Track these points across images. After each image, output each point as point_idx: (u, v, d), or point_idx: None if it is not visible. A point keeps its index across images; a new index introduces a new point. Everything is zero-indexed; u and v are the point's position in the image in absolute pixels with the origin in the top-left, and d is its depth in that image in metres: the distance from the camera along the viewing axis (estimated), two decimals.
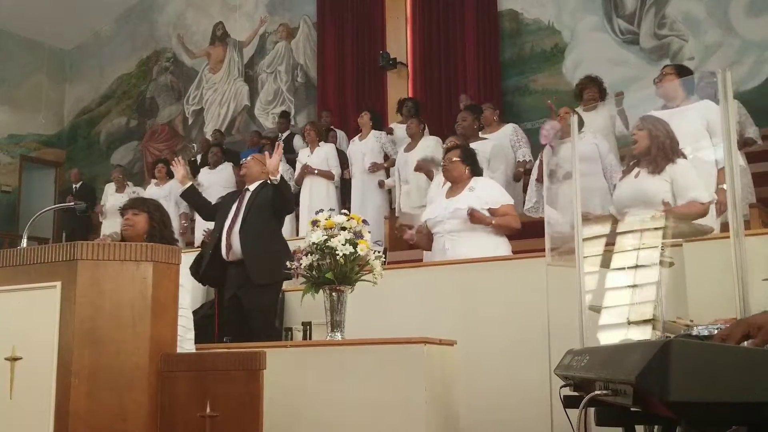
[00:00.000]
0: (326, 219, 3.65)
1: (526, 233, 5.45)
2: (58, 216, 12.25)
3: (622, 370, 1.61)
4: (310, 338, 4.83)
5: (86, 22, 13.06)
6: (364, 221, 3.74)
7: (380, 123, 8.19)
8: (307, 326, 4.92)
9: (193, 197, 5.23)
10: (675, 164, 3.87)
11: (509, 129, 7.15)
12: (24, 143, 13.13)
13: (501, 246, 4.69)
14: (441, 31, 9.73)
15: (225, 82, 12.14)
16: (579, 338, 3.15)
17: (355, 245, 3.58)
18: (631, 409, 1.62)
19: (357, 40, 10.42)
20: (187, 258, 3.90)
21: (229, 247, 4.81)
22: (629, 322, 3.00)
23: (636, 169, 4.01)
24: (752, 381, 1.44)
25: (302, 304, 3.83)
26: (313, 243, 3.59)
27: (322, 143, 8.16)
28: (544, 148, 6.03)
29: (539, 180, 6.12)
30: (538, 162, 6.38)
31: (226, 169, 8.93)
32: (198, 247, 7.01)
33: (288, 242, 5.28)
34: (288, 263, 3.73)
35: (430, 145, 7.32)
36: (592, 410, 1.95)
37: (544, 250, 3.85)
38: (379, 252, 3.82)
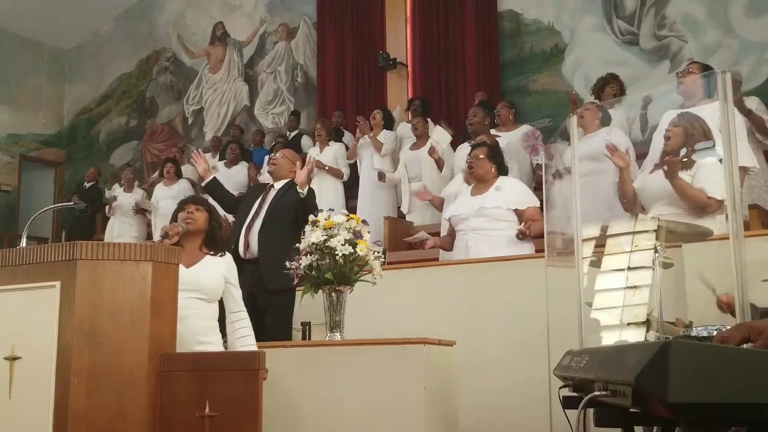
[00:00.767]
0: (326, 219, 3.64)
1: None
2: (58, 215, 12.25)
3: (621, 371, 1.61)
4: (310, 338, 4.82)
5: (86, 22, 13.06)
6: (364, 221, 3.74)
7: (391, 123, 8.19)
8: (306, 326, 4.90)
9: (215, 190, 5.15)
10: (704, 161, 3.87)
11: (524, 129, 7.06)
12: (23, 143, 13.12)
13: (524, 245, 4.63)
14: (441, 31, 9.73)
15: (225, 82, 12.13)
16: (578, 339, 3.15)
17: (354, 245, 3.58)
18: (630, 409, 1.62)
19: (357, 41, 10.42)
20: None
21: (246, 246, 4.73)
22: (628, 323, 3.00)
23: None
24: (751, 382, 1.44)
25: (301, 304, 3.83)
26: (313, 243, 3.59)
27: (331, 142, 8.16)
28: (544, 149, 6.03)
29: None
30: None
31: (242, 170, 8.91)
32: None
33: None
34: (287, 263, 3.72)
35: (441, 138, 7.32)
36: (591, 411, 1.95)
37: (543, 250, 3.86)
38: (378, 252, 3.82)
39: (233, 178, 8.69)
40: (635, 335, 2.96)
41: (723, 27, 8.00)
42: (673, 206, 3.97)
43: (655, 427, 2.22)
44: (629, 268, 3.14)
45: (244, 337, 3.76)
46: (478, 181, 4.84)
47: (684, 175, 3.91)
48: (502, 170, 4.86)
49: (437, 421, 3.45)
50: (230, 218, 5.66)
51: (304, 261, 3.62)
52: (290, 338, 4.86)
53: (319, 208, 4.92)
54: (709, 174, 3.89)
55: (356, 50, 10.40)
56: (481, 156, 4.80)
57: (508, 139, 6.72)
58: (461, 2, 9.54)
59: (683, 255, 3.66)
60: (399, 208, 7.74)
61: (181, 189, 8.63)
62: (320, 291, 3.64)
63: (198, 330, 3.46)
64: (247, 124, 11.60)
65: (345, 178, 8.01)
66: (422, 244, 5.05)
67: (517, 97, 8.96)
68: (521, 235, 4.49)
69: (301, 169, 4.73)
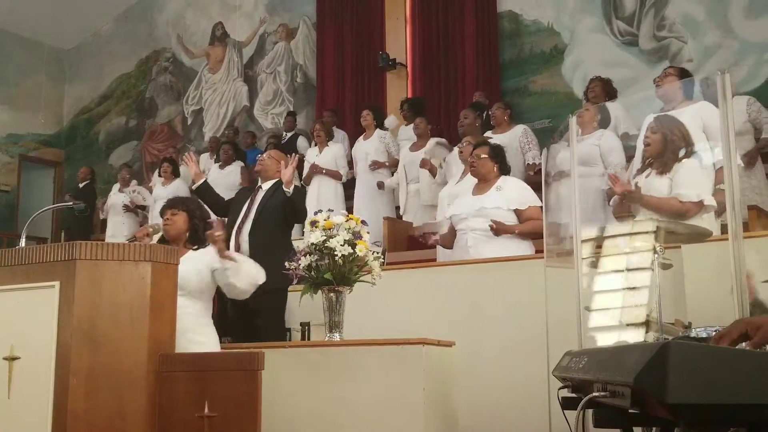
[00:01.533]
0: (325, 219, 3.65)
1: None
2: (58, 215, 12.24)
3: (620, 372, 1.61)
4: (309, 339, 4.82)
5: (85, 22, 13.06)
6: (363, 222, 3.74)
7: (382, 121, 8.18)
8: (305, 327, 4.91)
9: (205, 193, 5.17)
10: (681, 163, 3.86)
11: (519, 130, 7.06)
12: (23, 143, 13.12)
13: (523, 245, 4.65)
14: (440, 32, 9.73)
15: (224, 83, 12.13)
16: (577, 340, 3.15)
17: (353, 246, 3.58)
18: (629, 410, 1.62)
19: (356, 41, 10.42)
20: None
21: (237, 246, 4.76)
22: (627, 324, 3.01)
23: (648, 170, 4.01)
24: (750, 383, 1.44)
25: (301, 304, 3.83)
26: (312, 243, 3.60)
27: (331, 143, 8.15)
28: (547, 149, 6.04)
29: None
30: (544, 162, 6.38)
31: (235, 171, 8.91)
32: None
33: (297, 241, 5.26)
34: (287, 263, 3.72)
35: (439, 150, 7.32)
36: (590, 412, 1.95)
37: (543, 251, 3.86)
38: (377, 252, 3.82)
39: (226, 178, 8.70)
40: (634, 336, 2.96)
41: (722, 28, 7.99)
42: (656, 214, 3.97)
43: (654, 428, 2.22)
44: (628, 269, 3.15)
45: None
46: (479, 180, 4.84)
47: (663, 180, 3.90)
48: (504, 170, 4.86)
49: (436, 422, 3.45)
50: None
51: (304, 261, 3.63)
52: (284, 337, 4.87)
53: (306, 208, 4.98)
54: (685, 177, 3.88)
55: (356, 51, 10.39)
56: (483, 155, 4.79)
57: (501, 141, 6.73)
58: (461, 3, 9.54)
59: (682, 256, 3.66)
60: (397, 208, 7.74)
61: (178, 189, 8.62)
62: (319, 291, 3.65)
63: (186, 328, 3.32)
64: (246, 125, 11.60)
65: (344, 179, 8.00)
66: (426, 237, 5.05)
67: (516, 98, 8.96)
68: (494, 232, 4.49)
69: (286, 168, 4.75)
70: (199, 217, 3.88)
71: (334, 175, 7.93)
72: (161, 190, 8.85)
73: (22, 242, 3.99)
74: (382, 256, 4.45)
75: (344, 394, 3.49)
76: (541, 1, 9.19)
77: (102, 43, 13.46)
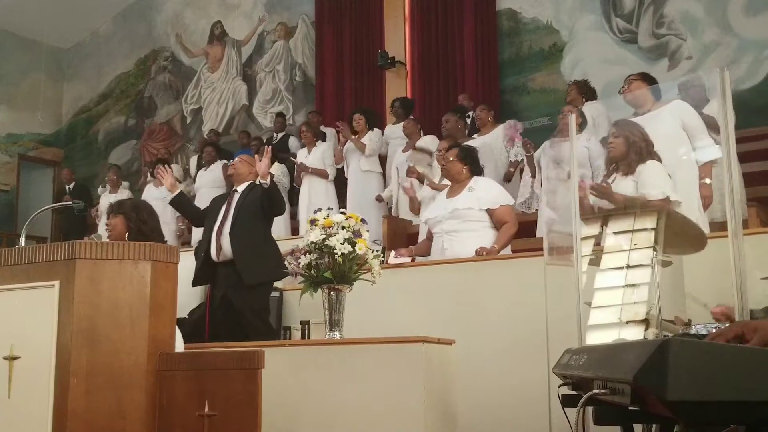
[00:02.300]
0: (324, 218, 3.64)
1: (524, 232, 5.46)
2: (56, 215, 12.24)
3: (620, 369, 1.61)
4: (309, 337, 4.83)
5: (84, 21, 13.05)
6: (363, 220, 3.74)
7: (375, 123, 8.18)
8: (305, 325, 4.91)
9: (181, 204, 5.25)
10: (645, 164, 3.90)
11: (501, 129, 7.14)
12: (22, 142, 13.12)
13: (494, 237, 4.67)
14: (439, 30, 9.73)
15: (223, 81, 12.13)
16: (577, 337, 3.15)
17: (353, 244, 3.58)
18: (629, 408, 1.62)
19: (355, 40, 10.42)
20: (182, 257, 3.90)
21: (219, 248, 4.83)
22: (627, 321, 3.01)
23: (614, 174, 4.04)
24: (750, 380, 1.44)
25: (300, 303, 3.83)
26: (312, 242, 3.59)
27: (319, 143, 8.17)
28: (542, 146, 6.04)
29: (533, 176, 6.13)
30: (531, 157, 6.40)
31: (217, 168, 8.92)
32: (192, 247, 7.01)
33: (286, 241, 5.28)
34: (286, 262, 3.73)
35: (426, 140, 7.33)
36: (590, 409, 1.95)
37: (541, 249, 3.86)
38: (377, 251, 3.82)
39: (211, 175, 8.71)
40: (634, 333, 2.96)
41: (721, 25, 8.00)
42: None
43: (654, 425, 2.22)
44: (628, 267, 3.15)
45: None
46: (452, 182, 4.87)
47: (627, 181, 3.92)
48: (476, 171, 4.87)
49: (436, 420, 3.45)
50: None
51: (303, 260, 3.63)
52: (273, 332, 4.89)
53: (284, 198, 5.02)
54: (649, 177, 3.91)
55: (355, 49, 10.39)
56: (452, 158, 4.83)
57: (483, 140, 6.78)
58: (460, 1, 9.54)
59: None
60: (390, 209, 7.74)
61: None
62: (319, 290, 3.65)
63: None
64: (245, 124, 11.60)
65: (331, 177, 8.01)
66: (399, 253, 5.07)
67: (515, 96, 8.97)
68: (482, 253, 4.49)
69: (260, 161, 4.79)
70: (135, 219, 3.91)
71: (321, 174, 7.94)
72: (154, 191, 8.84)
73: (22, 242, 4.00)
74: (382, 255, 4.45)
75: (344, 392, 3.49)
76: None
77: (101, 43, 13.46)
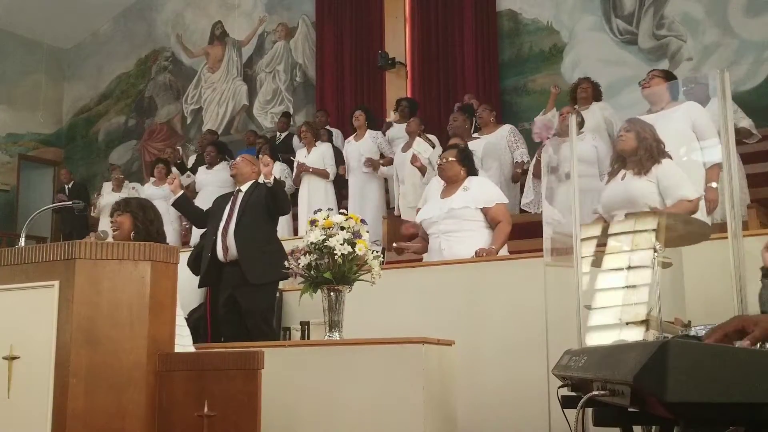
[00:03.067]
0: (324, 218, 3.64)
1: (524, 233, 5.46)
2: (56, 215, 12.24)
3: (619, 371, 1.61)
4: (308, 338, 4.83)
5: (85, 22, 13.05)
6: (363, 221, 3.74)
7: (375, 122, 8.18)
8: (305, 326, 4.92)
9: (184, 206, 5.24)
10: (660, 165, 3.88)
11: (506, 130, 7.14)
12: (22, 142, 13.12)
13: (490, 237, 4.67)
14: (440, 31, 9.73)
15: (224, 82, 12.13)
16: (577, 338, 3.15)
17: (353, 245, 3.58)
18: (629, 409, 1.62)
19: (356, 40, 10.42)
20: (183, 257, 3.92)
21: (225, 248, 4.81)
22: (627, 323, 3.01)
23: (622, 171, 4.02)
24: (750, 381, 1.44)
25: (300, 303, 3.83)
26: (312, 243, 3.59)
27: (318, 143, 8.17)
28: (541, 145, 6.04)
29: (536, 176, 6.12)
30: (535, 159, 6.39)
31: (224, 169, 8.89)
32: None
33: (286, 242, 5.28)
34: (286, 263, 3.73)
35: (425, 146, 7.32)
36: (589, 410, 1.95)
37: (542, 250, 3.86)
38: (377, 251, 3.82)
39: (217, 176, 8.67)
40: (634, 334, 2.96)
41: (722, 26, 8.00)
42: (635, 211, 3.96)
43: (653, 427, 2.22)
44: (628, 268, 3.15)
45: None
46: (447, 182, 4.87)
47: (644, 182, 3.90)
48: (472, 172, 4.89)
49: (436, 421, 3.45)
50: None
51: (303, 260, 3.62)
52: (275, 334, 4.89)
53: (288, 197, 5.02)
54: (676, 179, 3.89)
55: (355, 49, 10.40)
56: (451, 158, 4.83)
57: (488, 140, 6.77)
58: (460, 2, 9.54)
59: (682, 254, 3.66)
60: (390, 208, 7.74)
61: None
62: (319, 290, 3.65)
63: None
64: (245, 124, 11.60)
65: (331, 177, 8.01)
66: (399, 250, 5.10)
67: (515, 97, 8.97)
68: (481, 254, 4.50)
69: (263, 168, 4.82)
70: (142, 219, 3.89)
71: (322, 174, 7.94)
72: (155, 191, 8.83)
73: (22, 242, 3.99)
74: (382, 255, 4.45)
75: (344, 393, 3.49)
76: (541, 0, 9.20)
77: (101, 43, 13.46)
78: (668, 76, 5.18)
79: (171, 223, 7.95)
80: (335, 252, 3.55)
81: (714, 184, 4.41)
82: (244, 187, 5.01)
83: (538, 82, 9.12)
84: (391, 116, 8.65)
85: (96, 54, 13.48)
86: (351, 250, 3.56)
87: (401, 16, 10.03)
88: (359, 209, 7.40)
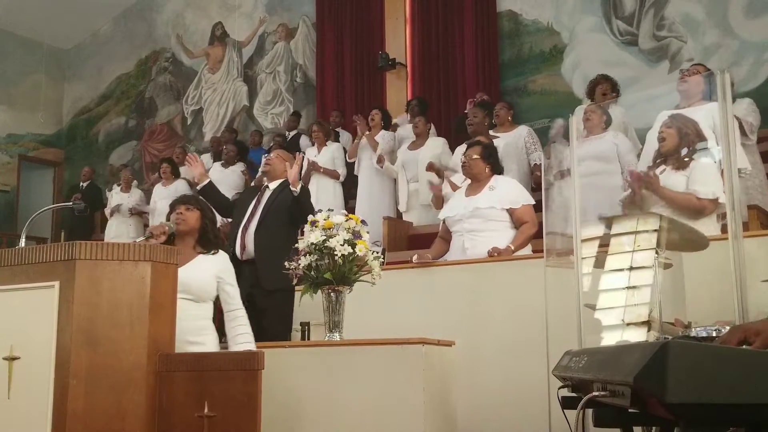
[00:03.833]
0: (325, 219, 3.64)
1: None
2: (57, 215, 12.25)
3: (620, 371, 1.61)
4: (309, 338, 4.82)
5: (85, 22, 13.06)
6: (363, 221, 3.74)
7: (389, 123, 8.19)
8: (305, 326, 4.91)
9: (210, 194, 5.12)
10: (699, 161, 3.87)
11: (524, 131, 7.04)
12: (22, 143, 13.12)
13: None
14: (440, 31, 9.73)
15: (224, 82, 12.13)
16: (577, 339, 3.15)
17: (353, 245, 3.58)
18: (629, 410, 1.62)
19: (356, 41, 10.42)
20: None
21: (243, 247, 4.74)
22: (627, 324, 3.00)
23: (662, 167, 4.01)
24: (750, 382, 1.44)
25: (300, 304, 3.83)
26: (312, 243, 3.59)
27: (329, 143, 8.16)
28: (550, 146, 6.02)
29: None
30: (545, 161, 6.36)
31: (237, 171, 8.88)
32: None
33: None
34: (286, 263, 3.72)
35: (438, 146, 7.31)
36: (590, 411, 1.95)
37: (543, 250, 3.86)
38: (377, 252, 3.82)
39: (229, 178, 8.67)
40: (634, 335, 2.96)
41: (722, 27, 8.00)
42: (669, 208, 3.97)
43: (654, 428, 2.22)
44: (630, 269, 3.14)
45: (240, 335, 3.73)
46: (472, 180, 4.83)
47: (679, 176, 3.91)
48: (497, 170, 4.84)
49: (436, 421, 3.45)
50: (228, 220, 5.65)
51: (303, 261, 3.63)
52: (289, 338, 4.86)
53: (313, 207, 4.95)
54: (702, 175, 3.89)
55: (355, 50, 10.39)
56: (475, 156, 4.78)
57: (507, 140, 6.69)
58: (460, 2, 9.54)
59: (682, 256, 3.66)
60: (397, 207, 7.74)
61: (178, 189, 8.61)
62: (319, 291, 3.65)
63: (187, 330, 3.31)
64: (246, 125, 11.60)
65: (341, 178, 8.01)
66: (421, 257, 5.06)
67: (516, 98, 8.96)
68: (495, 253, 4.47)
69: (292, 168, 4.74)
70: (210, 219, 3.86)
71: (332, 174, 7.94)
72: (163, 191, 8.83)
73: (22, 242, 3.99)
74: (382, 256, 4.45)
75: (344, 393, 3.49)
76: (541, 0, 9.20)
77: (101, 43, 13.46)
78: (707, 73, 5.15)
79: None
80: (335, 253, 3.55)
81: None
82: (273, 185, 4.91)
83: (538, 83, 9.12)
84: (398, 119, 8.64)
85: (96, 54, 13.48)
86: (351, 250, 3.56)
87: (401, 17, 10.02)
88: (368, 208, 7.41)
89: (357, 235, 3.65)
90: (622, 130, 6.12)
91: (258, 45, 11.84)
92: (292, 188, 4.66)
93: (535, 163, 6.81)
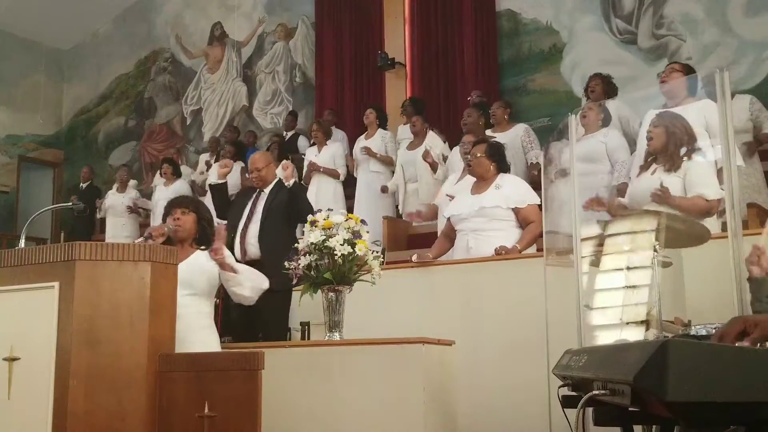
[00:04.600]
0: (324, 219, 3.64)
1: None
2: (57, 216, 12.24)
3: (620, 370, 1.61)
4: (309, 338, 4.83)
5: (84, 22, 13.04)
6: (363, 221, 3.74)
7: (386, 121, 8.18)
8: (305, 326, 4.91)
9: (219, 193, 5.11)
10: (691, 160, 3.84)
11: (521, 129, 7.03)
12: (22, 143, 13.11)
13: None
14: (439, 31, 9.72)
15: (223, 83, 12.12)
16: (577, 338, 3.15)
17: (353, 245, 3.58)
18: (629, 408, 1.62)
19: (355, 40, 10.42)
20: None
21: (243, 251, 4.74)
22: (627, 322, 3.01)
23: (653, 166, 3.99)
24: (750, 381, 1.44)
25: (300, 304, 3.83)
26: (312, 243, 3.59)
27: (329, 142, 8.15)
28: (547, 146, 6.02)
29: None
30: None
31: (235, 171, 8.85)
32: None
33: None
34: (286, 263, 3.72)
35: (438, 144, 7.30)
36: (590, 410, 1.95)
37: (543, 249, 3.86)
38: (377, 252, 3.82)
39: (230, 177, 8.62)
40: (634, 334, 2.96)
41: (721, 26, 8.00)
42: (662, 207, 3.95)
43: (654, 426, 2.22)
44: (628, 268, 3.14)
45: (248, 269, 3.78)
46: (478, 179, 4.80)
47: (673, 178, 3.88)
48: (503, 168, 4.81)
49: (436, 421, 3.45)
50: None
51: (303, 261, 3.63)
52: (286, 338, 4.86)
53: (309, 200, 4.96)
54: (700, 176, 3.86)
55: (355, 50, 10.39)
56: (479, 154, 4.75)
57: (503, 140, 6.67)
58: (459, 2, 9.53)
59: (682, 254, 3.66)
60: (396, 207, 7.73)
61: (179, 189, 8.60)
62: (319, 291, 3.65)
63: (188, 328, 3.29)
64: (245, 125, 11.60)
65: (342, 177, 8.00)
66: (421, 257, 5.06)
67: (515, 97, 8.95)
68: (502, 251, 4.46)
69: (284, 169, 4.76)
70: (207, 219, 3.85)
71: (332, 173, 7.93)
72: (164, 191, 8.83)
73: (22, 243, 3.98)
74: (382, 256, 4.45)
75: (344, 393, 3.49)
76: (540, 0, 9.20)
77: (100, 44, 13.45)
78: (688, 71, 5.11)
79: None
80: (335, 252, 3.55)
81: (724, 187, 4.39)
82: (267, 188, 4.92)
83: (537, 82, 9.11)
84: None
85: (95, 55, 13.47)
86: (351, 250, 3.56)
87: (401, 17, 10.01)
88: (365, 207, 7.40)
89: (357, 234, 3.65)
90: (622, 125, 6.12)
91: (257, 45, 11.83)
92: (286, 182, 4.66)
93: (532, 162, 6.81)
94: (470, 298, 4.26)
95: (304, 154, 8.47)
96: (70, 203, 5.54)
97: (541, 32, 9.17)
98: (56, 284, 2.65)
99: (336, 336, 3.64)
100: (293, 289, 4.83)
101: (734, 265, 2.78)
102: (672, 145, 3.87)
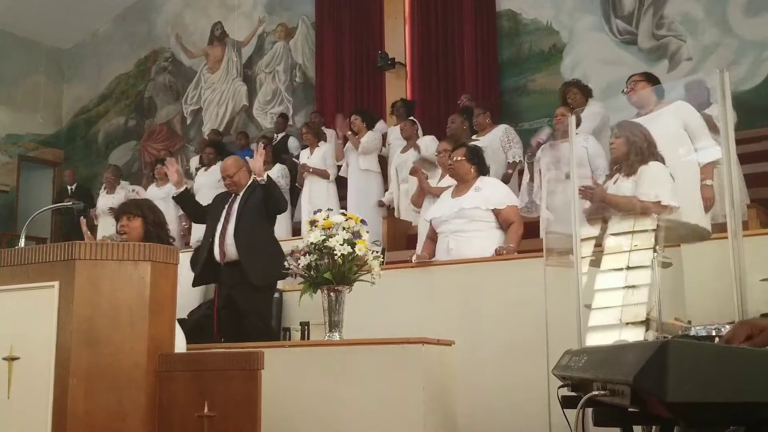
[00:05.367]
0: (324, 219, 3.64)
1: (527, 233, 5.44)
2: (56, 216, 12.24)
3: (619, 371, 1.61)
4: (308, 338, 4.83)
5: (84, 22, 13.04)
6: (363, 221, 3.74)
7: (373, 122, 8.17)
8: (305, 326, 4.92)
9: (185, 201, 5.19)
10: (647, 165, 3.86)
11: (500, 130, 7.09)
12: (22, 143, 13.11)
13: (501, 239, 4.66)
14: (439, 31, 9.73)
15: (223, 82, 12.13)
16: (577, 338, 3.15)
17: (353, 245, 3.58)
18: (629, 409, 1.62)
19: (355, 40, 10.42)
20: (184, 258, 3.90)
21: (222, 252, 4.79)
22: (627, 323, 3.01)
23: (616, 175, 4.02)
24: (750, 381, 1.44)
25: (300, 304, 3.83)
26: (312, 243, 3.60)
27: (321, 143, 8.17)
28: (536, 150, 6.02)
29: (532, 180, 6.12)
30: (526, 162, 6.37)
31: (218, 169, 8.84)
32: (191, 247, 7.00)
33: (287, 242, 5.27)
34: (286, 263, 3.73)
35: (431, 145, 7.30)
36: (590, 410, 1.95)
37: (542, 250, 3.86)
38: (377, 252, 3.82)
39: (210, 177, 8.62)
40: (634, 334, 2.96)
41: (721, 26, 8.00)
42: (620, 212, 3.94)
43: (654, 427, 2.22)
44: (628, 268, 3.15)
45: None
46: (458, 182, 4.87)
47: (627, 182, 3.88)
48: (483, 171, 4.89)
49: (436, 421, 3.45)
50: None
51: (303, 261, 3.63)
52: (273, 333, 4.89)
53: (282, 193, 4.99)
54: (646, 179, 3.83)
55: (355, 50, 10.39)
56: (460, 157, 4.84)
57: (484, 142, 6.73)
58: (460, 2, 9.54)
59: (682, 255, 3.66)
60: (389, 209, 7.73)
61: (171, 190, 8.58)
62: (319, 291, 3.65)
63: None
64: (245, 125, 11.60)
65: (332, 178, 8.01)
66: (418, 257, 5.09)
67: (515, 97, 8.96)
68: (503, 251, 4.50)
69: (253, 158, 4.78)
70: (153, 222, 3.80)
71: (322, 174, 7.94)
72: (156, 192, 8.80)
73: (22, 242, 3.99)
74: (382, 256, 4.45)
75: (344, 393, 3.49)
76: (540, 0, 9.20)
77: (100, 43, 13.46)
78: (650, 78, 5.16)
79: (170, 223, 7.90)
80: (335, 252, 3.55)
81: (709, 182, 4.40)
82: (242, 191, 4.98)
83: (537, 82, 9.12)
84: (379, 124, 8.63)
85: (95, 54, 13.48)
86: (351, 250, 3.57)
87: (401, 17, 10.02)
88: (356, 208, 7.40)
89: (357, 234, 3.66)
90: (599, 132, 6.13)
91: (257, 45, 11.84)
92: (258, 178, 4.68)
93: (509, 161, 6.88)
94: (470, 298, 4.26)
95: (295, 156, 8.49)
96: (71, 203, 5.54)
97: (542, 32, 9.17)
98: (56, 284, 2.65)
99: (336, 336, 3.64)
100: (275, 283, 4.88)
101: (734, 265, 2.78)
102: (633, 154, 3.90)
